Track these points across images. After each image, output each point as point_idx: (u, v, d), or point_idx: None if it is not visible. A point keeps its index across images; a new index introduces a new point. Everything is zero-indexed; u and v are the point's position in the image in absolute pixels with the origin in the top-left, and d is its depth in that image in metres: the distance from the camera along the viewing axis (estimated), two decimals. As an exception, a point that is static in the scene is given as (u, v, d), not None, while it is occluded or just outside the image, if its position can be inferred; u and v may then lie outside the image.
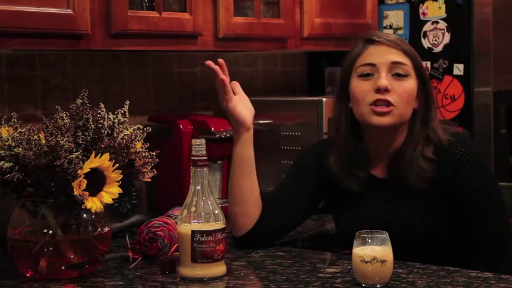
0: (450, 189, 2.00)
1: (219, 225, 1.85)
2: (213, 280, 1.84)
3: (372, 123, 2.00)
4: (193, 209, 1.85)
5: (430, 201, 2.02)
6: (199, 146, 1.86)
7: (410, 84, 2.01)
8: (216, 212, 1.86)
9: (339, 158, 2.08)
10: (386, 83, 1.98)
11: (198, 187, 1.86)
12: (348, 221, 2.12)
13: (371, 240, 1.75)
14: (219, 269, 1.86)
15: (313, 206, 2.22)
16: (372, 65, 2.01)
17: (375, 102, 1.99)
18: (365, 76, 2.01)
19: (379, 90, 1.98)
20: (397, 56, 2.01)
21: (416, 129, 2.02)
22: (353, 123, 2.07)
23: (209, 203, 1.86)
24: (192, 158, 1.87)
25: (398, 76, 2.00)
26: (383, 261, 1.73)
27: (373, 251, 1.74)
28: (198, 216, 1.85)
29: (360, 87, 2.01)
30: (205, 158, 1.87)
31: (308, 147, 2.30)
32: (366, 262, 1.73)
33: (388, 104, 1.98)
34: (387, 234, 1.77)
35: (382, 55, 2.01)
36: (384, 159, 2.08)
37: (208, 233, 1.83)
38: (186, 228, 1.84)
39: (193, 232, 1.83)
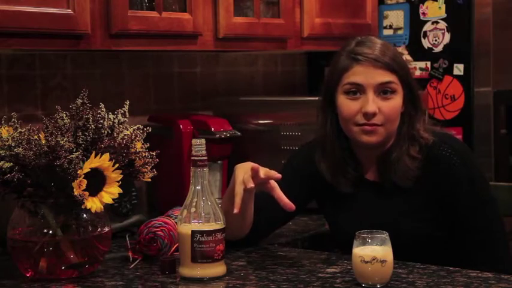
0: (440, 190, 2.02)
1: (219, 225, 1.85)
2: (213, 280, 1.84)
3: (361, 142, 2.04)
4: (193, 209, 1.85)
5: (421, 202, 2.03)
6: (199, 146, 1.86)
7: (397, 101, 2.03)
8: (216, 212, 1.86)
9: (328, 162, 2.10)
10: (374, 108, 2.00)
11: (198, 187, 1.86)
12: (340, 223, 2.13)
13: (371, 240, 1.75)
14: (219, 269, 1.86)
15: (303, 207, 2.19)
16: (359, 84, 2.02)
17: (363, 125, 2.01)
18: (352, 94, 2.02)
19: (366, 115, 2.00)
20: (384, 76, 2.01)
21: (403, 131, 2.05)
22: (339, 129, 2.08)
23: (209, 203, 1.86)
24: (192, 158, 1.87)
25: (385, 94, 2.01)
26: (383, 261, 1.73)
27: (373, 251, 1.74)
28: (198, 216, 1.84)
29: (348, 107, 2.03)
30: (205, 158, 1.87)
31: (300, 147, 2.30)
32: (366, 262, 1.73)
33: (375, 124, 2.01)
34: (387, 234, 1.77)
35: (368, 75, 2.01)
36: (374, 162, 2.09)
37: (208, 233, 1.83)
38: (186, 228, 1.84)
39: (193, 232, 1.83)
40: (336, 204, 2.14)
